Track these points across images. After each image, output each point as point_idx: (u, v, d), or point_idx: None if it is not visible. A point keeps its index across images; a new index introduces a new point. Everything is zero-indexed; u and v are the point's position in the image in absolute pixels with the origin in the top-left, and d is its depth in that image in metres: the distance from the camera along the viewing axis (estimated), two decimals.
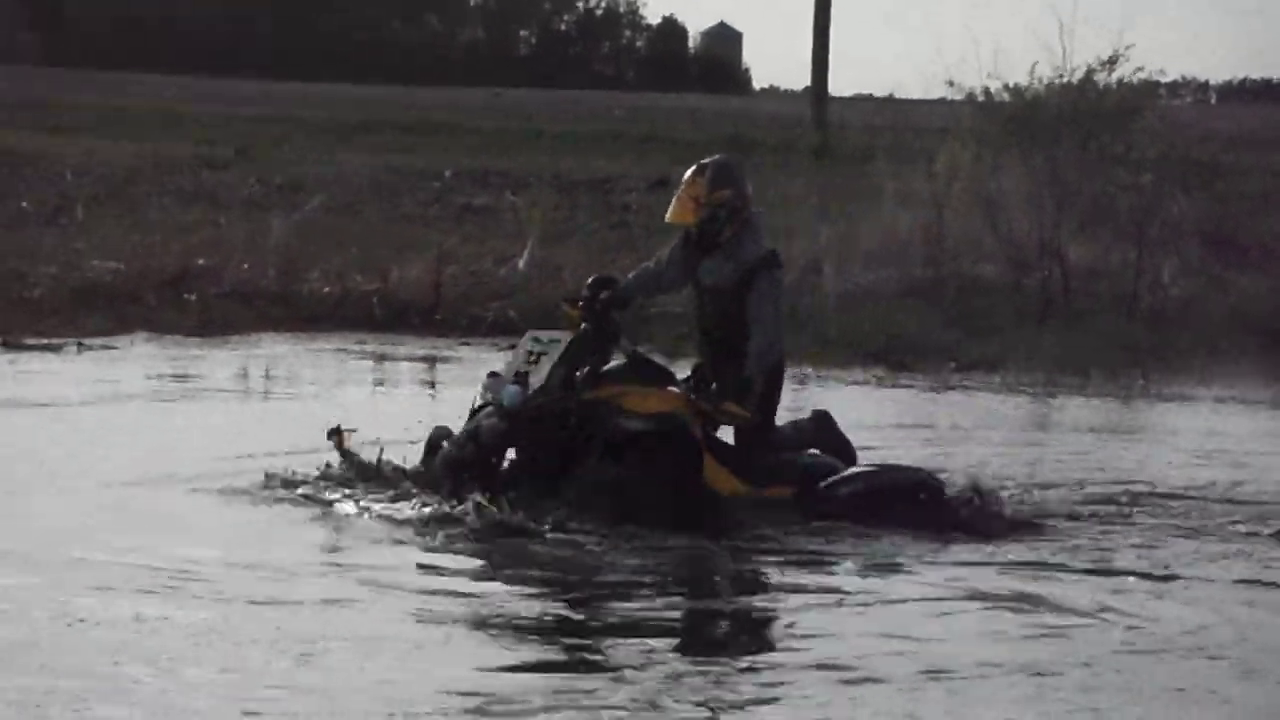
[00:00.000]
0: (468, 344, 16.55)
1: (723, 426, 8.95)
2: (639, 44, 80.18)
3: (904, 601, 7.42)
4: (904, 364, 15.96)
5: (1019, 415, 13.92)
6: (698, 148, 28.49)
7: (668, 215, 9.06)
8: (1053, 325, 16.93)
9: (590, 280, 8.98)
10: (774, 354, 8.96)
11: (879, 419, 12.97)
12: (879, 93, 37.13)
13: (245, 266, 18.47)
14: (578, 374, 8.70)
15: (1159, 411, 14.51)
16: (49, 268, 17.94)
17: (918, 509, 8.67)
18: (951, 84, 21.15)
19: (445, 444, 8.97)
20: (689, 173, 8.98)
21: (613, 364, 8.84)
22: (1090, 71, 20.57)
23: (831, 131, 31.35)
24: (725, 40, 79.62)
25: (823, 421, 9.23)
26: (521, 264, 18.85)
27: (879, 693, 6.10)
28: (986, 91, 20.88)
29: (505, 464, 8.97)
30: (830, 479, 8.75)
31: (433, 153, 30.28)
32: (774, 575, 7.89)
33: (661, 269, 9.13)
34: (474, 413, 8.95)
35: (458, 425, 9.06)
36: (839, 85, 59.70)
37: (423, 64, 62.24)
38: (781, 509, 8.65)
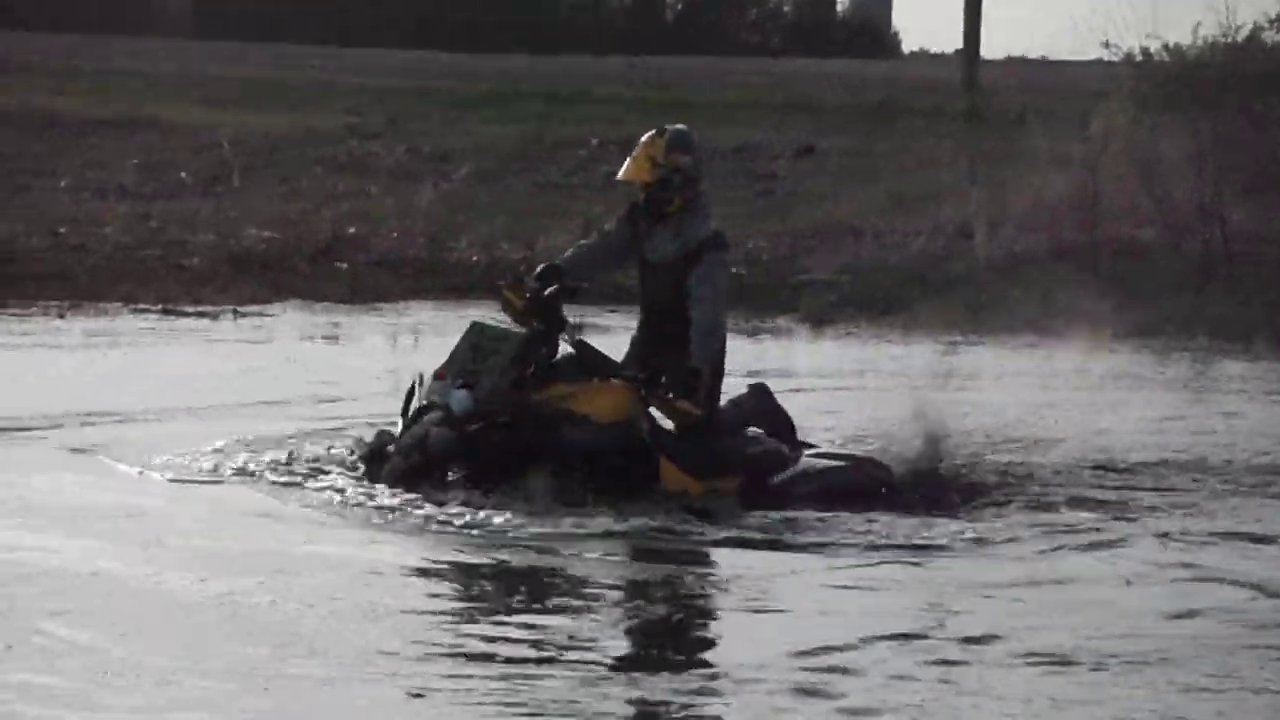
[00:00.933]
0: (615, 310, 16.47)
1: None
2: (785, 9, 79.52)
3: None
4: (1057, 330, 15.70)
5: (1177, 381, 13.69)
6: (844, 113, 28.47)
7: (621, 173, 8.85)
8: (1213, 291, 16.61)
9: (538, 271, 8.68)
10: (718, 337, 8.75)
11: (1032, 387, 12.81)
12: (1031, 54, 36.43)
13: (394, 235, 18.68)
14: (528, 373, 8.45)
15: None
16: (206, 236, 18.20)
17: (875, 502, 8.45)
18: (1108, 45, 20.72)
19: (390, 450, 8.52)
20: (648, 135, 8.80)
21: (559, 356, 8.65)
22: (1256, 30, 20.09)
23: (982, 94, 30.86)
24: (875, 3, 78.81)
25: (761, 395, 9.01)
26: None
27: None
28: (1145, 52, 20.44)
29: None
30: (784, 475, 8.53)
31: (577, 121, 30.23)
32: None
33: (608, 244, 8.92)
34: (416, 414, 8.56)
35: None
36: (990, 47, 58.85)
37: (569, 32, 62.19)
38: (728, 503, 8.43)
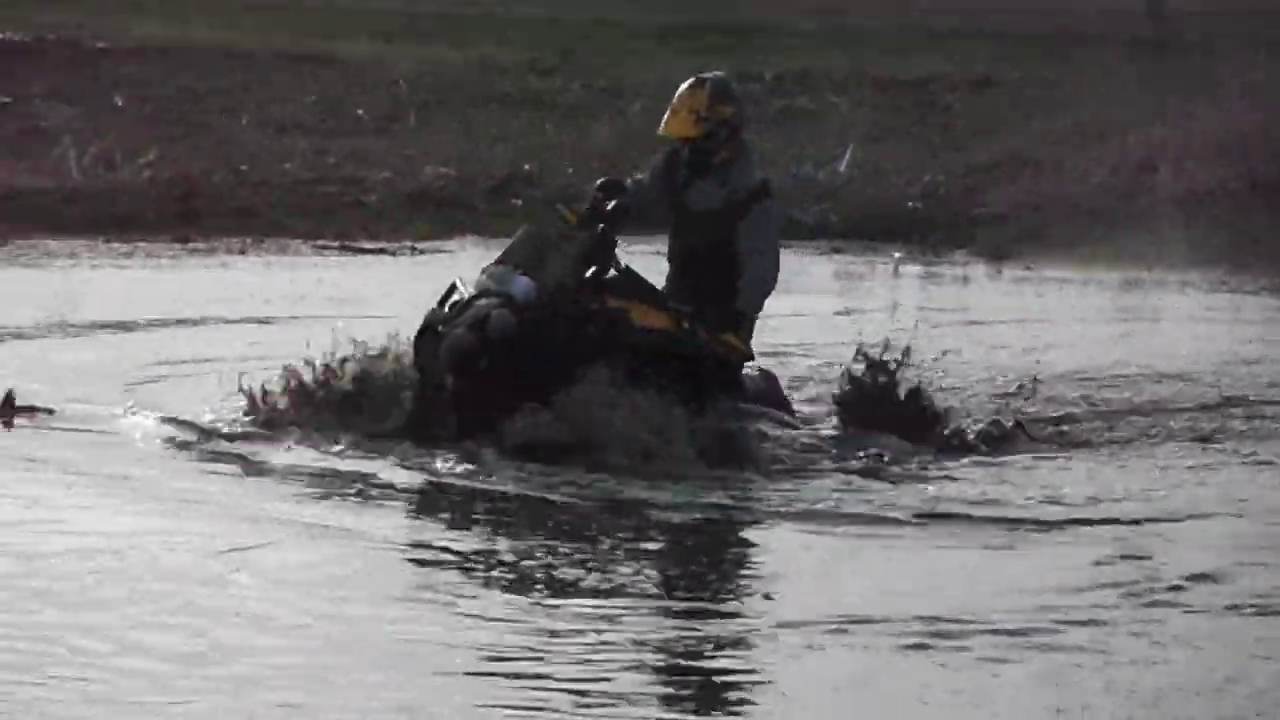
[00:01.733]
0: (788, 247, 16.46)
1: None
2: None
3: None
4: (1246, 266, 15.47)
5: None
6: (1021, 42, 28.06)
7: (662, 128, 8.60)
8: None
9: (600, 183, 8.61)
10: (768, 288, 8.55)
11: (1219, 328, 12.59)
12: None
13: (570, 171, 18.68)
14: (586, 275, 8.22)
15: None
16: (383, 173, 18.37)
17: None
18: None
19: (441, 328, 8.17)
20: (686, 86, 8.58)
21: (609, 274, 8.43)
22: None
23: (1168, 20, 30.53)
24: None
25: (770, 382, 8.86)
26: (843, 167, 18.83)
27: None
28: None
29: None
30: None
31: (751, 55, 30.12)
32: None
33: (645, 189, 8.71)
34: (468, 301, 8.18)
35: None
36: None
37: None
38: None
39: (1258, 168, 17.96)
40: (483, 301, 7.95)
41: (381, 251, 15.53)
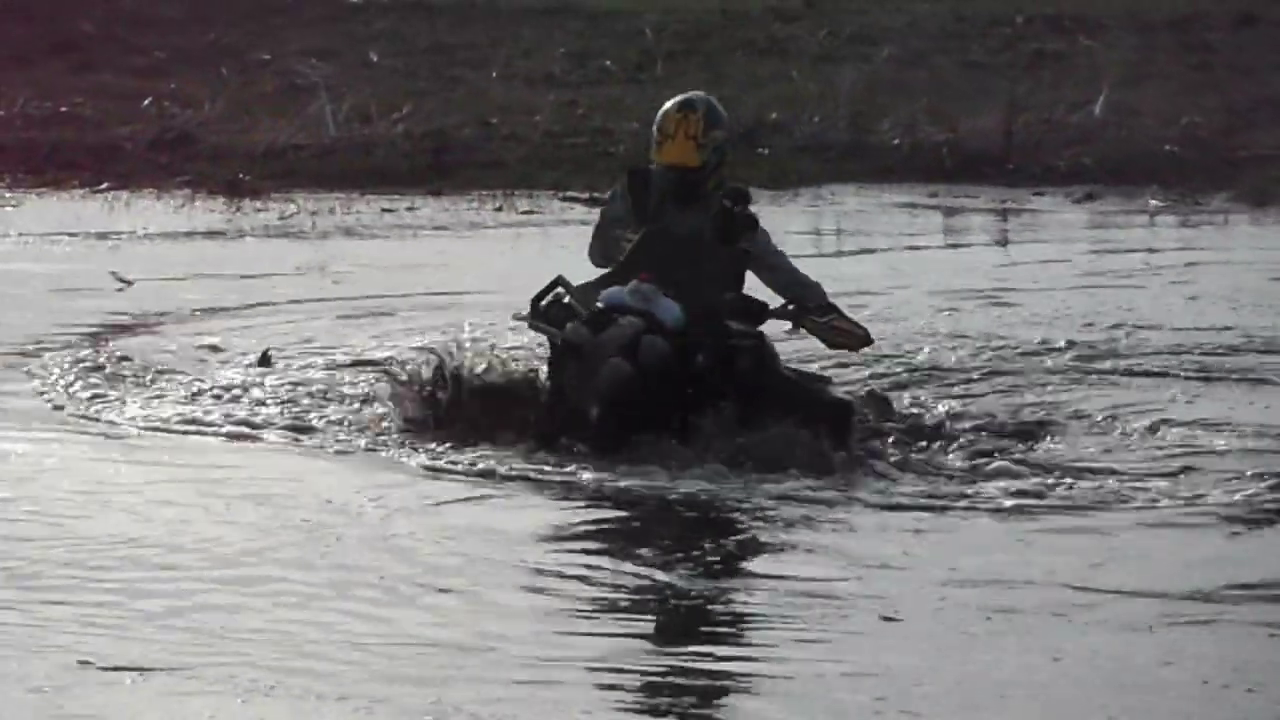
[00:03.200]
0: (1041, 194, 16.52)
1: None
2: None
3: None
4: None
5: None
6: None
7: (660, 155, 8.04)
8: None
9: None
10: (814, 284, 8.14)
11: None
12: None
13: (816, 120, 18.63)
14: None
15: None
16: (631, 124, 18.38)
17: None
18: None
19: (572, 339, 7.51)
20: (675, 109, 8.05)
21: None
22: None
23: None
24: None
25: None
26: (1097, 110, 18.56)
27: None
28: None
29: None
30: None
31: None
32: None
33: (619, 235, 8.09)
34: (596, 316, 7.53)
35: None
36: None
37: None
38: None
39: None
40: (626, 320, 7.42)
41: None
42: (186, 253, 13.97)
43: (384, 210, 15.53)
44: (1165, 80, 20.25)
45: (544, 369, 7.89)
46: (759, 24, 25.97)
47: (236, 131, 18.26)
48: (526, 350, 8.62)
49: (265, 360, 9.31)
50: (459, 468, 7.31)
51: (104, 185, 16.35)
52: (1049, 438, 7.98)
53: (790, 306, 7.94)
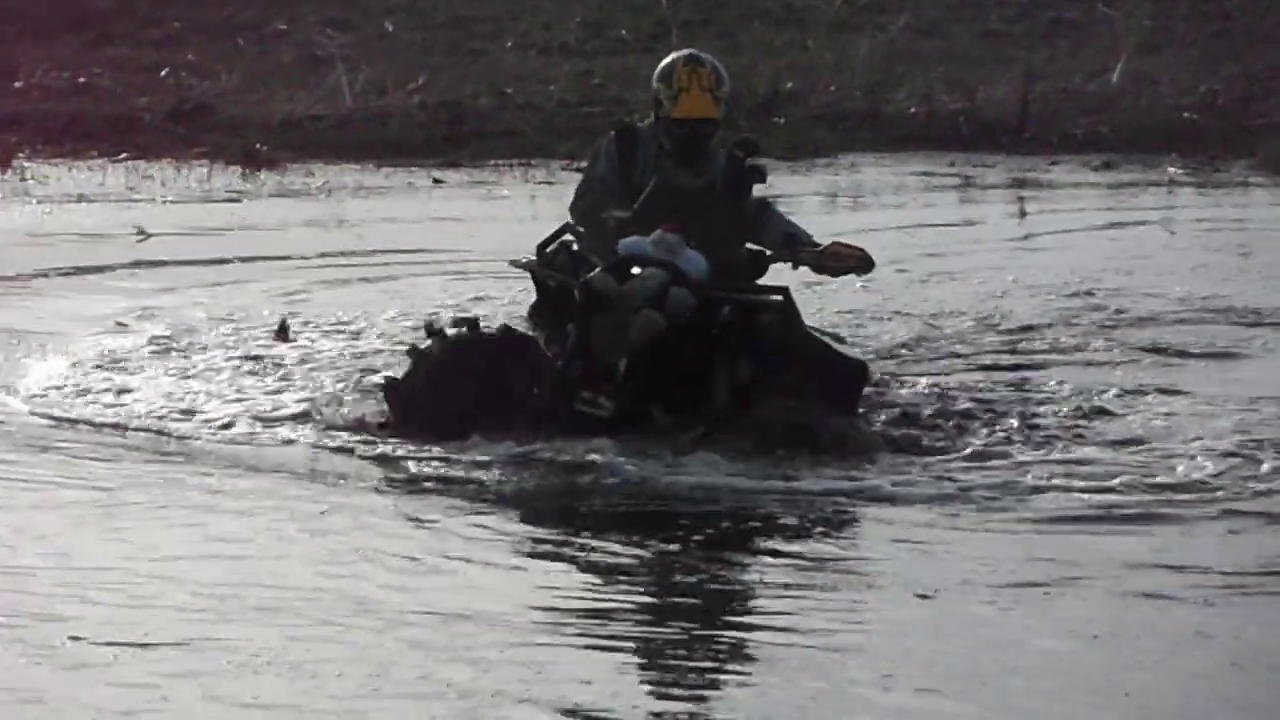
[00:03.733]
0: (1057, 162, 16.64)
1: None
2: None
3: None
4: None
5: None
6: None
7: (681, 111, 7.78)
8: None
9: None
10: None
11: None
12: None
13: (832, 89, 18.74)
14: None
15: None
16: (647, 93, 18.46)
17: None
18: None
19: (598, 288, 7.17)
20: (683, 63, 7.91)
21: None
22: None
23: None
24: None
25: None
26: (1114, 78, 18.64)
27: None
28: None
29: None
30: None
31: None
32: None
33: (610, 191, 7.87)
34: (617, 264, 7.23)
35: None
36: None
37: None
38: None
39: None
40: (649, 271, 7.16)
41: None
42: (203, 214, 14.10)
43: (409, 184, 15.63)
44: (1183, 48, 20.28)
45: (525, 325, 7.70)
46: None
47: (253, 102, 18.41)
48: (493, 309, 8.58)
49: (283, 332, 9.31)
50: (460, 452, 7.05)
51: (123, 155, 16.45)
52: (1073, 415, 7.84)
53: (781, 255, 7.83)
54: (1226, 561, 5.92)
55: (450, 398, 7.18)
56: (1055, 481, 6.85)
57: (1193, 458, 7.13)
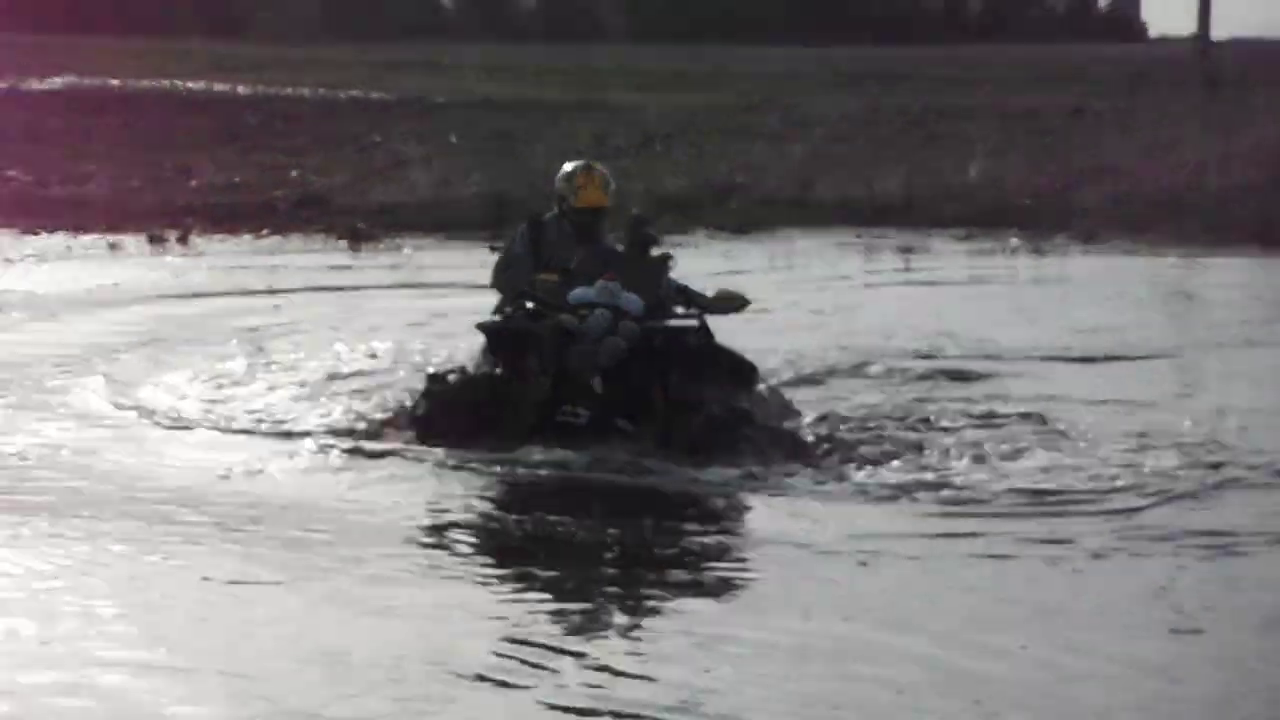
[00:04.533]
0: (932, 234, 16.16)
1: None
2: (1058, 9, 77.30)
3: None
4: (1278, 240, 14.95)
5: None
6: (1103, 82, 27.53)
7: (581, 201, 7.33)
8: None
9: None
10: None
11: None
12: (1260, 34, 34.29)
13: (772, 181, 18.48)
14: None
15: None
16: (637, 186, 18.27)
17: None
18: None
19: (573, 331, 6.63)
20: (579, 169, 7.44)
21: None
22: None
23: (1215, 67, 29.61)
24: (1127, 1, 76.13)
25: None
26: (972, 174, 18.39)
27: None
28: None
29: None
30: None
31: (906, 93, 30.21)
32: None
33: (522, 265, 7.34)
34: (572, 310, 6.63)
35: None
36: (1224, 29, 55.68)
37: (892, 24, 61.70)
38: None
39: None
40: (598, 312, 6.69)
41: None
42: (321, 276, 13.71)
43: (467, 252, 14.98)
44: (1020, 153, 20.14)
45: (483, 368, 6.99)
46: (731, 113, 26.47)
47: (358, 193, 18.29)
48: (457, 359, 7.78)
49: None
50: (464, 461, 6.46)
51: (264, 232, 16.31)
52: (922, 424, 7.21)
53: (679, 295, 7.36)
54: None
55: (458, 418, 6.74)
56: (914, 472, 6.24)
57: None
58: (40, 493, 6.09)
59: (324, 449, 6.77)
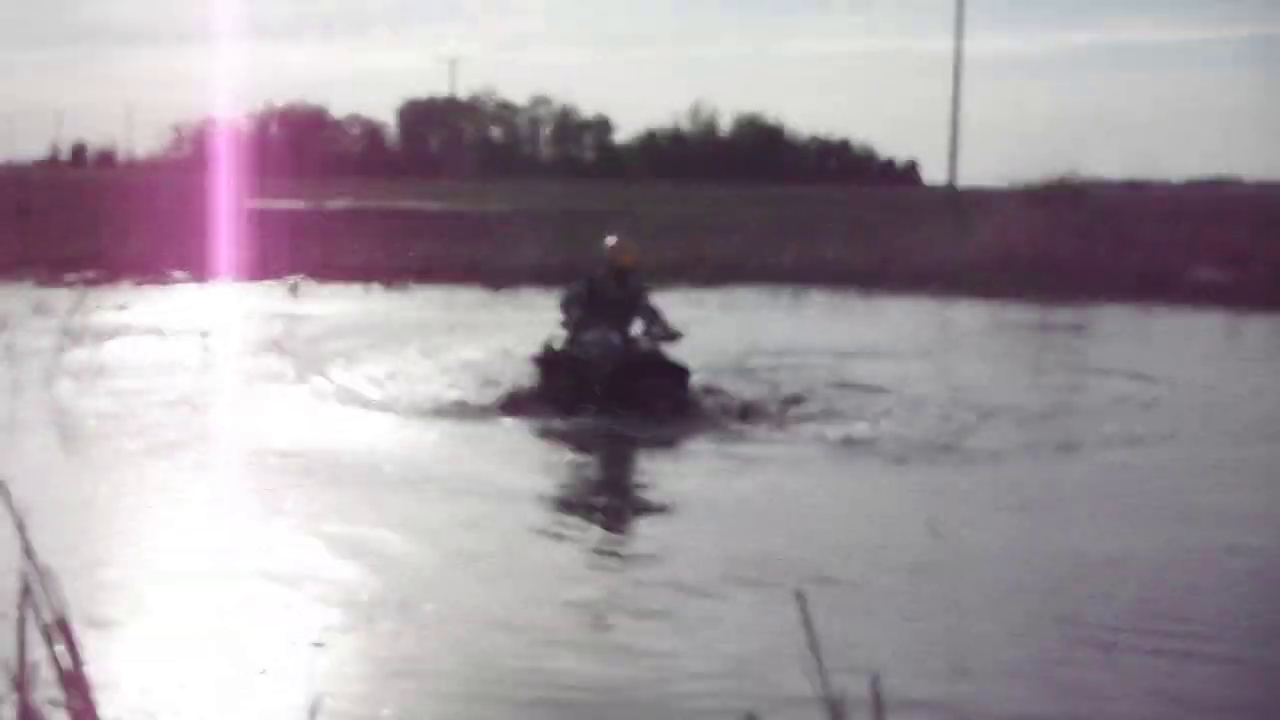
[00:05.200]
0: (810, 289, 16.57)
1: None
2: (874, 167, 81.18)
3: None
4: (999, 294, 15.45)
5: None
6: (897, 207, 30.15)
7: (620, 260, 7.70)
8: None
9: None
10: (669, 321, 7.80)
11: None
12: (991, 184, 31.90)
13: (723, 257, 18.65)
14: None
15: None
16: (650, 256, 14.36)
17: None
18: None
19: (580, 352, 7.22)
20: (618, 244, 7.86)
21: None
22: None
23: (959, 199, 30.35)
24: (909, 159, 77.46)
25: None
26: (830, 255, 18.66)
27: None
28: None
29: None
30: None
31: (792, 208, 30.92)
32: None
33: (582, 298, 7.71)
34: (589, 346, 7.17)
35: None
36: (967, 177, 53.01)
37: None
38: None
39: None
40: (595, 349, 7.23)
41: None
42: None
43: (547, 299, 11.20)
44: (857, 245, 20.28)
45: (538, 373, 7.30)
46: (699, 219, 27.27)
47: (498, 261, 18.05)
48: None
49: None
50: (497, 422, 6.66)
51: (444, 283, 16.43)
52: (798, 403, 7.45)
53: (641, 331, 7.67)
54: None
55: (530, 402, 7.13)
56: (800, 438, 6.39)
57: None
58: (353, 469, 5.85)
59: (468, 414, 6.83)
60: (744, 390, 7.62)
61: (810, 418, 6.89)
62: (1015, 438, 6.29)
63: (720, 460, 5.89)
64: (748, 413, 7.03)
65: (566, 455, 6.05)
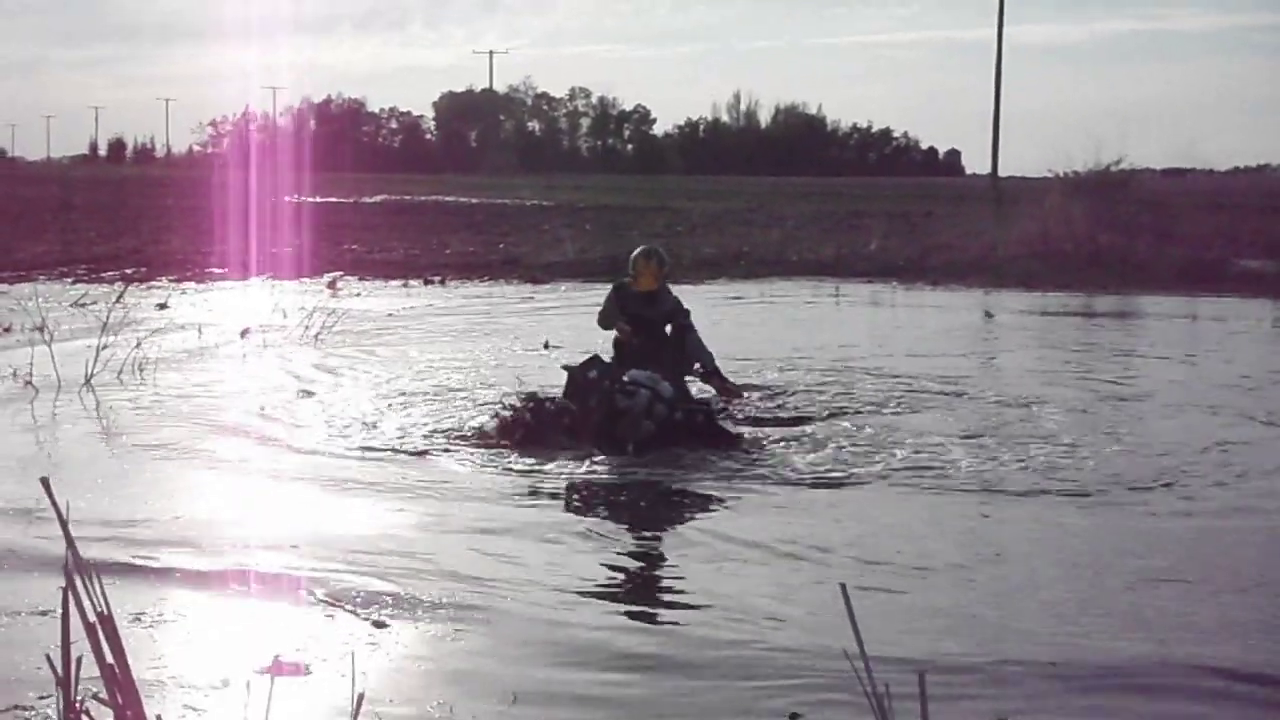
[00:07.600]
0: (847, 282, 16.58)
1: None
2: (917, 157, 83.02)
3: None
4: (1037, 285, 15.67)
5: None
6: (941, 198, 29.75)
7: (637, 284, 7.28)
8: None
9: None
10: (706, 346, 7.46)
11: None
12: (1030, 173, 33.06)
13: (764, 249, 19.37)
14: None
15: None
16: (688, 251, 19.04)
17: None
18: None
19: (618, 399, 6.23)
20: (641, 257, 7.34)
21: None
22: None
23: (999, 192, 30.46)
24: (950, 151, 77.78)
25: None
26: (873, 246, 19.47)
27: None
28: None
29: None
30: None
31: (833, 203, 32.22)
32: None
33: (612, 314, 7.40)
34: (626, 386, 6.27)
35: None
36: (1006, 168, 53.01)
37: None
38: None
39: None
40: (644, 392, 6.31)
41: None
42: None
43: (591, 291, 14.28)
44: (898, 236, 21.24)
45: (558, 397, 6.50)
46: (740, 213, 28.89)
47: (536, 256, 18.92)
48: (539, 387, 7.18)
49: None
50: (519, 466, 5.94)
51: (485, 278, 16.62)
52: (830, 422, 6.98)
53: (699, 370, 7.32)
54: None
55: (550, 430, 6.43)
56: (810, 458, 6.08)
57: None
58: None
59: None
60: (817, 432, 6.70)
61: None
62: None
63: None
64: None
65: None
